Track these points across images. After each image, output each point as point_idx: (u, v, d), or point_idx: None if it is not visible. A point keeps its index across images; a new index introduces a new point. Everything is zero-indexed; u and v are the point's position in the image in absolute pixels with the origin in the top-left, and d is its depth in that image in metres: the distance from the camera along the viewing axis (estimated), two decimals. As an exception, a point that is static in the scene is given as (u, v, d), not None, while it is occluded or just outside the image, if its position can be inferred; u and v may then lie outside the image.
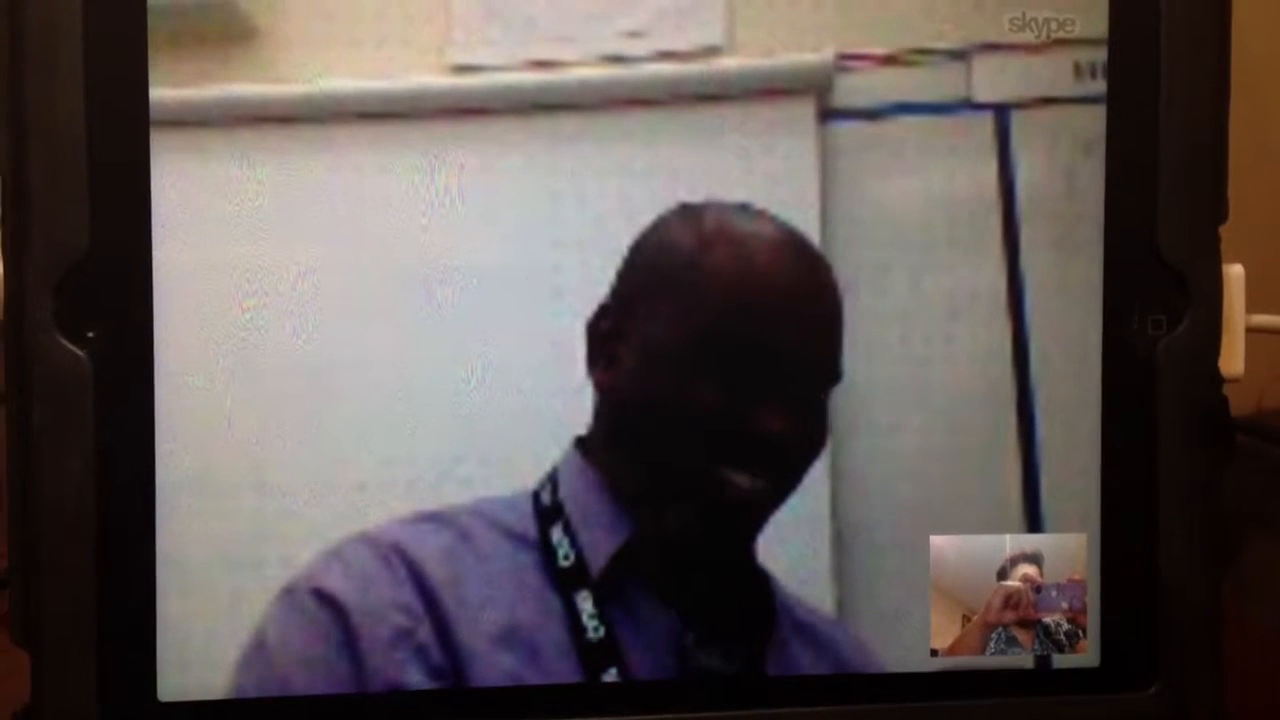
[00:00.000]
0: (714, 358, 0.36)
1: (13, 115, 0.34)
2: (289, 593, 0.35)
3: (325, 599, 0.35)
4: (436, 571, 0.36)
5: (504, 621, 0.36)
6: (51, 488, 0.34)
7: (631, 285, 0.36)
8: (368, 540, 0.36)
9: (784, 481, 0.37)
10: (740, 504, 0.37)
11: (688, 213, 0.36)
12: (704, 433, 0.36)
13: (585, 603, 0.36)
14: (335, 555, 0.36)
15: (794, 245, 0.37)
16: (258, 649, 0.35)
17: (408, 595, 0.36)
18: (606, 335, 0.36)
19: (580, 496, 0.36)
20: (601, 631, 0.36)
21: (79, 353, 0.34)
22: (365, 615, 0.36)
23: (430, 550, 0.36)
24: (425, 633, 0.36)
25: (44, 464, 0.34)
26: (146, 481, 0.35)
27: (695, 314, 0.36)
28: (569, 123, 0.36)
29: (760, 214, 0.36)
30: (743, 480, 0.36)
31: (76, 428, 0.34)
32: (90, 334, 0.34)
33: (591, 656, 0.36)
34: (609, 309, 0.36)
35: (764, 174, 0.36)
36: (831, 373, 0.37)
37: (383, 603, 0.36)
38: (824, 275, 0.37)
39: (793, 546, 0.37)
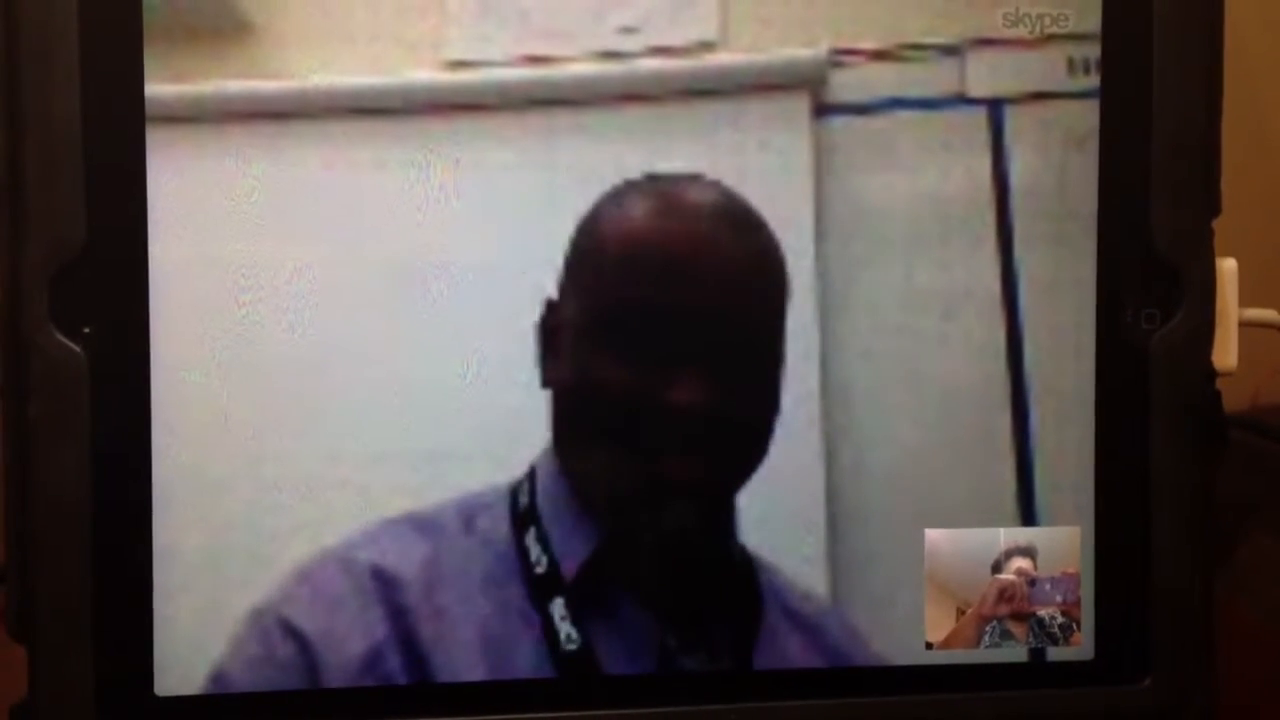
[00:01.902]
0: (622, 329, 0.36)
1: (9, 111, 0.34)
2: (257, 616, 0.35)
3: (290, 630, 0.35)
4: (411, 588, 0.35)
5: (479, 636, 0.36)
6: (48, 482, 0.34)
7: (567, 274, 0.36)
8: (342, 560, 0.35)
9: (721, 454, 0.36)
10: (685, 487, 0.36)
11: (626, 186, 0.36)
12: (623, 410, 0.36)
13: (560, 611, 0.36)
14: (305, 580, 0.35)
15: (723, 209, 0.36)
16: (222, 673, 0.35)
17: (377, 622, 0.35)
18: (549, 329, 0.36)
19: (552, 499, 0.36)
20: (576, 643, 0.36)
21: (75, 348, 0.34)
22: (329, 647, 0.35)
23: (406, 566, 0.35)
24: (393, 660, 0.35)
25: (40, 459, 0.34)
26: (142, 476, 0.35)
27: (604, 284, 0.36)
28: (564, 118, 0.36)
29: (703, 182, 0.36)
30: (672, 455, 0.36)
31: (72, 423, 0.34)
32: (86, 329, 0.34)
33: (568, 669, 0.36)
34: (553, 303, 0.36)
35: (758, 169, 0.36)
36: (765, 339, 0.36)
37: (349, 633, 0.35)
38: (754, 238, 0.36)
39: (787, 540, 0.37)
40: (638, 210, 0.36)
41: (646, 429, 0.36)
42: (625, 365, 0.35)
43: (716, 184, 0.36)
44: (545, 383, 0.36)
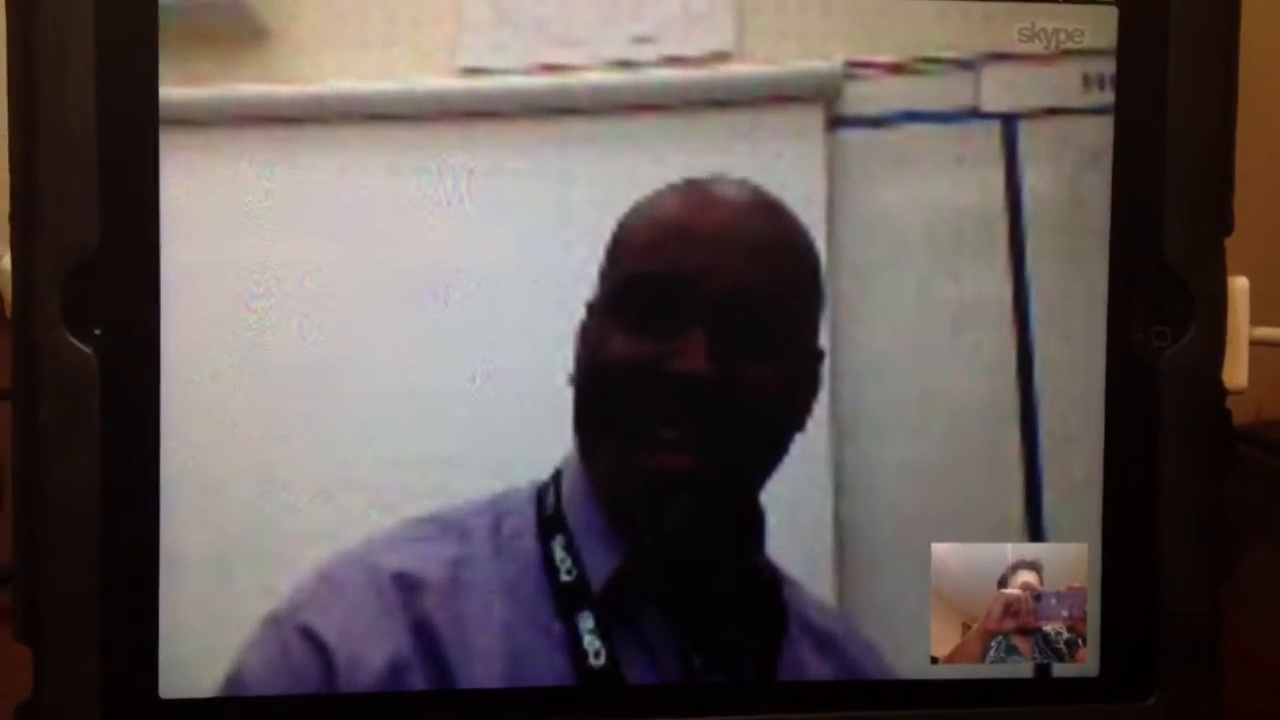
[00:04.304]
0: (633, 299, 0.35)
1: (24, 112, 0.34)
2: (274, 623, 0.35)
3: (309, 637, 0.35)
4: (434, 595, 0.35)
5: (503, 648, 0.35)
6: (56, 484, 0.34)
7: (601, 274, 0.36)
8: (364, 564, 0.35)
9: (732, 446, 0.36)
10: (693, 476, 0.35)
11: (661, 191, 0.36)
12: (628, 384, 0.35)
13: (587, 625, 0.35)
14: (326, 582, 0.35)
15: (755, 201, 0.36)
16: (238, 679, 0.35)
17: (399, 632, 0.35)
18: (584, 331, 0.36)
19: (579, 504, 0.35)
20: (603, 658, 0.35)
21: (86, 350, 0.34)
22: (350, 655, 0.35)
23: (429, 571, 0.35)
24: (415, 672, 0.35)
25: (49, 460, 0.34)
26: (151, 478, 0.35)
27: (624, 266, 0.35)
28: (578, 127, 0.36)
29: (737, 180, 0.36)
30: (678, 438, 0.35)
31: (82, 425, 0.34)
32: (97, 331, 0.34)
33: (593, 685, 0.35)
34: (591, 305, 0.36)
35: (772, 180, 0.36)
36: (784, 329, 0.36)
37: (371, 642, 0.35)
38: (784, 226, 0.36)
39: (794, 552, 0.37)
40: (667, 199, 0.36)
41: (649, 399, 0.35)
42: (631, 337, 0.35)
43: (750, 182, 0.36)
44: (570, 380, 0.36)
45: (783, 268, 0.36)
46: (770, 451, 0.36)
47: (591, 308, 0.36)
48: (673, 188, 0.36)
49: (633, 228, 0.36)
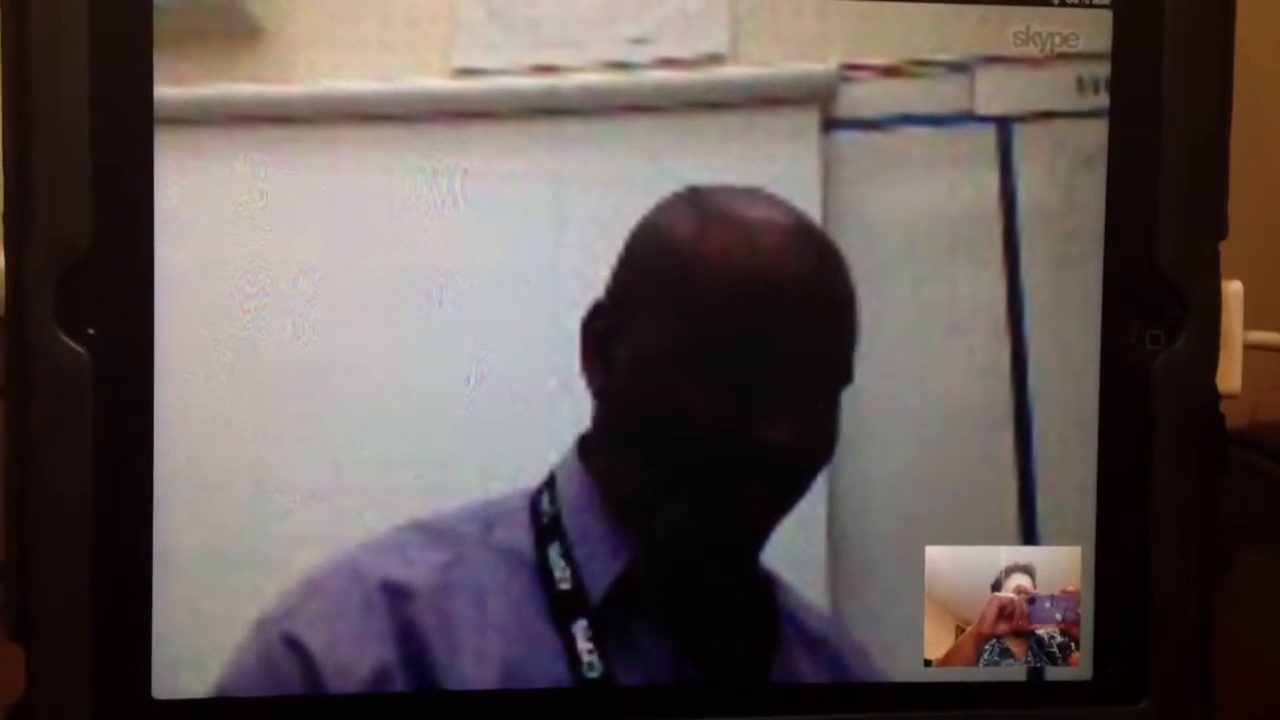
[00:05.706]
0: (713, 357, 0.35)
1: (17, 111, 0.34)
2: (261, 629, 0.34)
3: (294, 646, 0.34)
4: (422, 603, 0.34)
5: (494, 658, 0.35)
6: (49, 483, 0.34)
7: (627, 278, 0.35)
8: (352, 571, 0.35)
9: (792, 490, 0.36)
10: (745, 518, 0.36)
11: (688, 197, 0.35)
12: (704, 440, 0.35)
13: (582, 634, 0.35)
14: (312, 589, 0.35)
15: (802, 232, 0.36)
16: (224, 685, 0.35)
17: (386, 640, 0.34)
18: (602, 334, 0.35)
19: (578, 510, 0.35)
20: (598, 670, 0.35)
21: (79, 349, 0.34)
22: (335, 664, 0.34)
23: (418, 579, 0.35)
24: (401, 681, 0.34)
25: (42, 460, 0.34)
26: (144, 478, 0.35)
27: (691, 308, 0.35)
28: (572, 128, 0.36)
29: (768, 198, 0.36)
30: (748, 491, 0.35)
31: (75, 424, 0.34)
32: (91, 331, 0.34)
33: (586, 689, 0.35)
34: (604, 306, 0.35)
35: (766, 182, 0.36)
36: (843, 372, 0.36)
37: (357, 650, 0.34)
38: (834, 264, 0.36)
39: (788, 556, 0.37)
40: (716, 227, 0.35)
41: (728, 459, 0.35)
42: (712, 390, 0.35)
43: (788, 204, 0.36)
44: (596, 391, 0.35)
45: (844, 318, 0.36)
46: (815, 477, 0.36)
47: (620, 320, 0.35)
48: (713, 204, 0.35)
49: (689, 256, 0.35)
